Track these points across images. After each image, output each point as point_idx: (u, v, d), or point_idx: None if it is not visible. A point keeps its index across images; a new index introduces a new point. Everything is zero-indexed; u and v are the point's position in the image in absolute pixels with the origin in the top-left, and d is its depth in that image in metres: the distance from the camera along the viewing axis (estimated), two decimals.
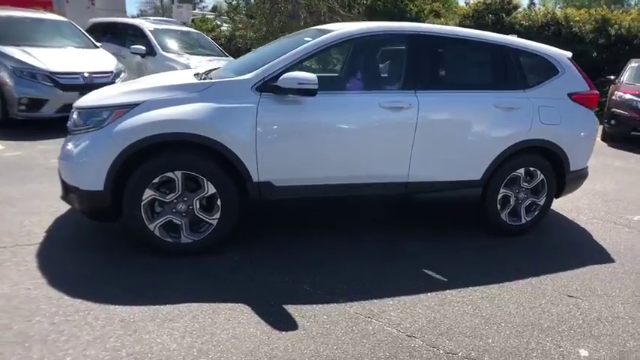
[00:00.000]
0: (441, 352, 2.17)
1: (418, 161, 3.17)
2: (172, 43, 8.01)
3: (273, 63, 2.84)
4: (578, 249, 3.55)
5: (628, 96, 7.63)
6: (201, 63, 7.61)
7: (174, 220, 2.78)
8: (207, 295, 2.46)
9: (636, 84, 8.07)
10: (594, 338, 2.39)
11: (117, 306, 2.30)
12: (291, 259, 2.94)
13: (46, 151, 4.93)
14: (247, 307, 2.38)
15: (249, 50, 14.57)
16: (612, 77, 8.98)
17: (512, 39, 3.70)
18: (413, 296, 2.64)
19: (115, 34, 8.21)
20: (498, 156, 3.37)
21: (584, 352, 2.27)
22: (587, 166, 3.85)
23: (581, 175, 3.82)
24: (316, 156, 2.95)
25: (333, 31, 3.06)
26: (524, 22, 13.21)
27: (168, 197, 2.75)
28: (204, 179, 2.74)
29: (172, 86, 2.84)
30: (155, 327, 2.16)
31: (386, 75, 3.22)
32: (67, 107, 5.43)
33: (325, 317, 2.36)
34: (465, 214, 3.79)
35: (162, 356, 1.96)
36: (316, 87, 2.65)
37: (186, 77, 3.39)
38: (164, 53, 7.58)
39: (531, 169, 3.54)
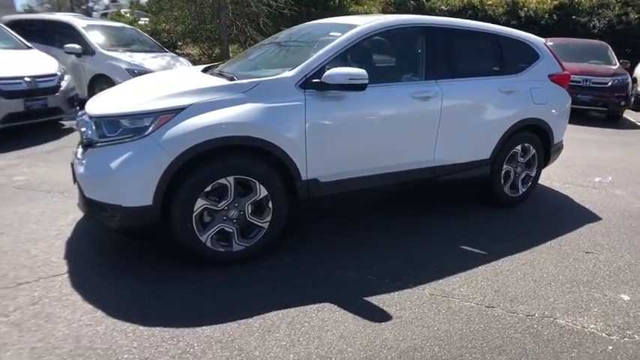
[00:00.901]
0: (522, 315, 2.45)
1: (442, 146, 3.43)
2: (108, 40, 7.40)
3: (312, 60, 2.86)
4: (569, 212, 4.10)
5: None
6: (146, 60, 7.18)
7: (226, 229, 2.70)
8: (287, 300, 2.45)
9: None
10: (625, 284, 2.84)
11: (201, 327, 2.20)
12: (340, 253, 3.01)
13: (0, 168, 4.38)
14: (333, 305, 2.43)
15: (174, 45, 14.00)
16: None
17: (501, 28, 4.09)
18: (468, 272, 2.88)
19: (40, 33, 7.34)
20: (503, 135, 3.75)
21: (625, 297, 2.70)
22: (563, 139, 4.43)
23: (560, 147, 4.39)
24: (358, 148, 3.05)
25: (357, 25, 3.15)
26: (443, 7, 14.22)
27: (219, 205, 2.66)
28: (257, 182, 2.69)
29: (216, 87, 2.72)
30: (258, 341, 2.12)
31: (410, 66, 3.40)
32: (13, 117, 4.94)
33: (408, 303, 2.51)
34: (463, 193, 4.16)
35: None
36: (367, 82, 2.74)
37: (198, 75, 3.31)
38: (103, 51, 6.99)
39: (526, 144, 4.00)
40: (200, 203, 2.59)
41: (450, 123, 3.42)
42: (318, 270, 2.80)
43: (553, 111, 4.09)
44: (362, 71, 2.72)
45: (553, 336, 2.29)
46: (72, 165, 2.84)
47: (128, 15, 16.25)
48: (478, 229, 3.57)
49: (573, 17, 13.32)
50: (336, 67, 2.83)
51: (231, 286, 2.57)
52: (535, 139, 4.04)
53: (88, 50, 6.95)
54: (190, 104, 2.55)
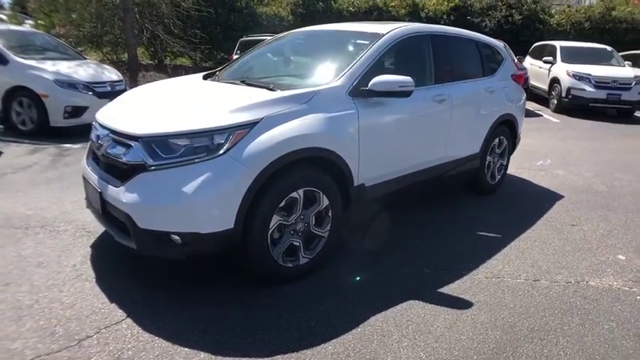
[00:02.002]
0: (563, 283, 2.94)
1: (451, 143, 3.87)
2: (22, 48, 6.56)
3: (356, 68, 3.03)
4: (536, 193, 4.87)
5: None
6: (72, 69, 6.56)
7: (294, 243, 2.74)
8: (375, 303, 2.60)
9: None
10: (614, 247, 3.55)
11: (319, 345, 2.22)
12: (381, 251, 3.24)
13: None
14: (417, 301, 2.65)
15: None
16: None
17: (475, 33, 4.68)
18: (499, 254, 3.33)
19: None
20: (488, 131, 4.34)
21: (622, 257, 3.39)
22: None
23: (520, 138, 5.16)
24: (395, 151, 3.31)
25: (376, 32, 3.41)
26: (350, 9, 15.05)
27: (289, 219, 2.69)
28: (321, 193, 2.78)
29: (280, 99, 2.70)
30: (383, 347, 2.22)
31: (424, 71, 3.74)
32: None
33: (474, 288, 2.85)
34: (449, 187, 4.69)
35: None
36: (413, 88, 3.02)
37: (225, 86, 3.28)
38: (20, 60, 6.19)
39: (501, 137, 4.65)
40: (275, 220, 2.60)
41: (456, 122, 3.87)
42: (374, 272, 2.99)
43: (518, 106, 4.81)
44: (409, 78, 2.98)
45: (595, 296, 2.82)
46: (96, 194, 2.65)
47: (5, 18, 14.18)
48: (478, 216, 4.08)
49: (468, 17, 15.12)
50: (374, 74, 3.04)
51: (310, 300, 2.62)
52: (507, 132, 4.72)
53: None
54: (262, 118, 2.53)
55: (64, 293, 2.61)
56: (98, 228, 3.35)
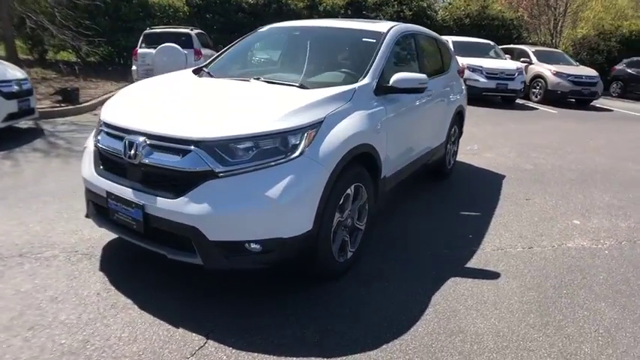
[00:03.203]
0: (550, 247, 3.56)
1: (432, 134, 4.33)
2: None
3: (375, 65, 3.23)
4: (482, 174, 5.62)
5: None
6: None
7: (344, 238, 2.84)
8: (420, 292, 2.85)
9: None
10: (566, 214, 4.35)
11: (392, 342, 2.40)
12: (396, 238, 3.53)
13: None
14: (456, 279, 2.98)
15: None
16: None
17: (432, 32, 5.18)
18: (491, 229, 3.87)
19: None
20: (450, 121, 4.90)
21: (577, 222, 4.18)
22: None
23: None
24: (405, 143, 3.61)
25: (375, 30, 3.66)
26: (250, 1, 15.00)
27: (343, 215, 2.77)
28: (363, 187, 2.93)
29: (330, 97, 2.75)
30: (460, 322, 2.58)
31: (412, 67, 4.05)
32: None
33: (489, 261, 3.31)
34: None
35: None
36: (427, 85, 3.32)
37: (196, 78, 3.28)
38: None
39: (455, 127, 5.27)
40: (337, 217, 2.68)
41: (435, 114, 4.34)
42: (407, 257, 3.28)
43: (464, 97, 5.48)
44: (425, 76, 3.28)
45: (578, 254, 3.49)
46: (130, 210, 2.44)
47: None
48: (451, 200, 4.61)
49: (363, 12, 16.09)
50: (388, 72, 3.28)
51: (361, 299, 2.74)
52: (458, 122, 5.35)
53: None
54: (324, 117, 2.57)
55: (113, 327, 2.36)
56: (93, 249, 3.10)
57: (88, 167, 2.78)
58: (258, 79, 3.22)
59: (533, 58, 13.57)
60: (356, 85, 3.00)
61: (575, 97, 12.83)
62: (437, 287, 2.86)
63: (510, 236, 3.74)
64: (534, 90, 13.19)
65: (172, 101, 2.90)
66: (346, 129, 2.66)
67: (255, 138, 2.33)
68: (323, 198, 2.45)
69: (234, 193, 2.26)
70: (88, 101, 8.78)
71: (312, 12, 15.76)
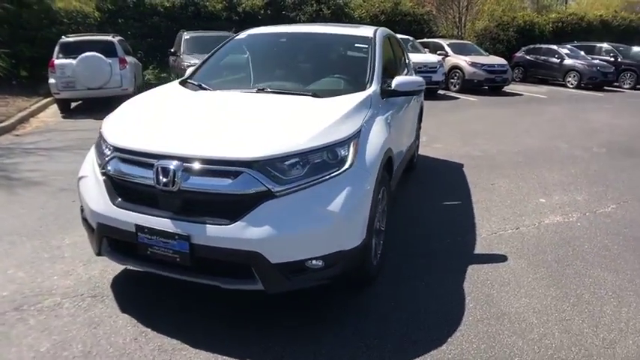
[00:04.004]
0: (532, 226, 3.97)
1: (411, 130, 4.58)
2: None
3: (377, 72, 3.34)
4: (439, 164, 6.04)
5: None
6: None
7: (375, 241, 2.84)
8: (453, 281, 3.05)
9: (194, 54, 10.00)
10: (530, 194, 4.84)
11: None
12: (404, 233, 3.69)
13: None
14: (476, 265, 3.21)
15: None
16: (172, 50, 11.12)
17: None
18: (477, 216, 4.20)
19: None
20: (418, 118, 5.21)
21: (542, 200, 4.68)
22: None
23: None
24: (402, 140, 3.81)
25: (362, 35, 3.80)
26: (166, 3, 14.44)
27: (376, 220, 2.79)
28: (386, 189, 3.01)
29: (358, 105, 2.79)
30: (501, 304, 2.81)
31: (396, 68, 4.18)
32: None
33: (494, 244, 3.60)
34: None
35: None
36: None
37: (249, 95, 3.15)
38: None
39: (418, 124, 5.60)
40: (376, 223, 2.75)
41: (412, 111, 4.60)
42: (423, 251, 3.46)
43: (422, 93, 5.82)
44: (421, 78, 3.47)
45: (558, 229, 3.93)
46: (173, 242, 2.26)
47: None
48: (429, 192, 4.91)
49: (283, 12, 16.16)
50: (386, 75, 3.42)
51: (401, 298, 2.87)
52: (419, 116, 5.69)
53: None
54: (361, 125, 2.61)
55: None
56: (100, 289, 2.86)
57: (98, 200, 2.50)
58: (262, 90, 3.19)
59: (449, 51, 14.61)
60: (370, 91, 3.10)
61: (489, 85, 14.05)
62: (461, 276, 3.07)
63: (496, 220, 4.09)
64: (452, 80, 14.22)
65: (194, 119, 2.76)
66: (378, 135, 2.76)
67: (307, 153, 2.31)
68: (372, 205, 2.52)
69: (294, 212, 2.22)
70: (2, 121, 7.91)
71: (231, 13, 15.51)
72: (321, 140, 2.37)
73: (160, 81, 14.53)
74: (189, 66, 9.60)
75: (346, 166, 2.37)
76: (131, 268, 2.87)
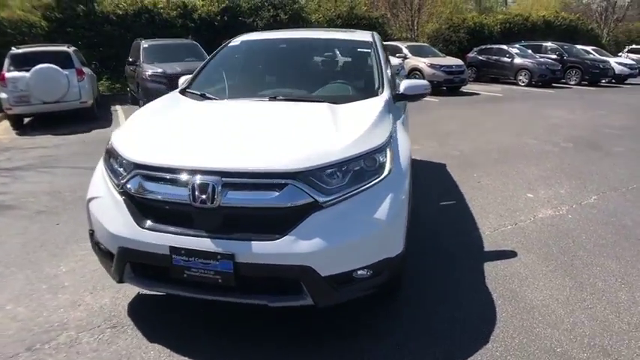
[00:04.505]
0: (529, 220, 4.17)
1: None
2: None
3: (386, 74, 3.39)
4: (423, 163, 6.19)
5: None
6: None
7: None
8: (471, 279, 3.16)
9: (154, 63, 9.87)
10: (516, 190, 5.07)
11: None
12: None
13: None
14: (490, 262, 3.34)
15: None
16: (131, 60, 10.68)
17: None
18: (475, 213, 4.36)
19: None
20: None
21: (530, 195, 4.91)
22: None
23: None
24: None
25: (361, 40, 3.84)
26: (118, 12, 13.97)
27: None
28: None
29: (382, 110, 2.82)
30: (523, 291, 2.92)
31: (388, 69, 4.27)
32: None
33: (498, 240, 3.75)
34: None
35: None
36: None
37: (265, 104, 3.10)
38: None
39: None
40: None
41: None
42: (433, 252, 3.55)
43: None
44: (427, 82, 3.54)
45: (554, 222, 4.14)
46: (214, 262, 2.17)
47: None
48: (424, 192, 5.02)
49: (239, 18, 16.02)
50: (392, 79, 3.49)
51: (432, 300, 3.01)
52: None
53: None
54: (391, 130, 2.64)
55: None
56: (118, 319, 2.70)
57: (119, 223, 2.33)
58: (274, 97, 3.15)
59: (408, 53, 15.05)
60: (386, 96, 3.13)
61: (447, 85, 14.57)
62: (480, 274, 3.18)
63: (494, 217, 4.26)
64: None
65: (218, 131, 2.66)
66: (403, 140, 2.81)
67: (350, 161, 2.29)
68: (408, 210, 2.55)
69: (342, 222, 2.18)
70: None
71: (186, 20, 15.20)
72: (361, 148, 2.36)
73: (114, 92, 14.01)
74: (152, 74, 9.67)
75: (385, 172, 2.37)
76: (156, 292, 2.74)
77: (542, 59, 17.01)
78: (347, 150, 2.32)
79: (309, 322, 2.63)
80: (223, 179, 2.16)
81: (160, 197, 2.27)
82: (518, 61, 16.92)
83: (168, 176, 2.28)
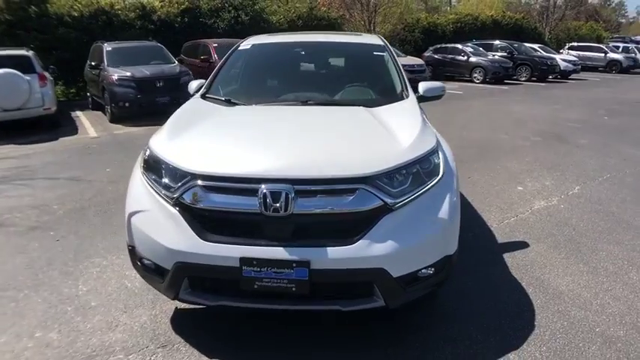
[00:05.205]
0: (527, 213, 4.44)
1: None
2: None
3: (406, 78, 3.50)
4: None
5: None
6: None
7: None
8: (498, 273, 3.34)
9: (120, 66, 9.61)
10: (506, 184, 5.36)
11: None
12: None
13: None
14: (508, 254, 3.55)
15: None
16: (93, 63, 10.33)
17: None
18: (476, 205, 4.57)
19: None
20: None
21: (520, 188, 5.20)
22: None
23: None
24: None
25: (370, 42, 3.95)
26: (74, 13, 13.33)
27: None
28: None
29: (419, 113, 2.93)
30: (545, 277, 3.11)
31: None
32: None
33: (506, 231, 3.97)
34: None
35: None
36: None
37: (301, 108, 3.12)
38: None
39: None
40: None
41: None
42: None
43: None
44: (443, 84, 3.69)
45: (550, 212, 4.43)
46: (289, 270, 2.15)
47: None
48: None
49: (200, 19, 15.69)
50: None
51: (467, 301, 3.13)
52: None
53: None
54: (434, 132, 2.77)
55: None
56: (162, 336, 2.60)
57: (177, 237, 2.24)
58: (306, 102, 3.17)
59: None
60: (414, 98, 3.26)
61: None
62: (503, 266, 3.37)
63: (495, 211, 4.49)
64: None
65: (272, 138, 2.60)
66: (442, 139, 2.92)
67: (412, 164, 2.35)
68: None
69: (410, 223, 2.24)
70: None
71: (145, 22, 14.71)
72: (419, 150, 2.43)
73: (69, 98, 13.32)
74: (120, 78, 9.30)
75: (441, 173, 2.44)
76: (196, 305, 2.63)
77: (495, 57, 17.85)
78: (408, 153, 2.39)
79: (363, 327, 2.68)
80: (295, 187, 2.15)
81: (225, 208, 2.22)
82: (473, 59, 17.66)
83: (234, 186, 2.22)
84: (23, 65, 8.57)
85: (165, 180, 2.39)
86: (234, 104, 3.21)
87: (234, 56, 3.92)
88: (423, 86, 3.52)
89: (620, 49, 24.99)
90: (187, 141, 2.60)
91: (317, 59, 3.99)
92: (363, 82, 3.67)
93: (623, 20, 66.80)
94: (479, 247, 3.67)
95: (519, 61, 18.43)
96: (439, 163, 2.49)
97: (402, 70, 3.61)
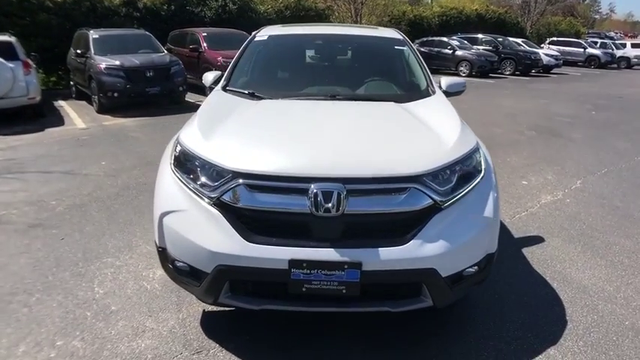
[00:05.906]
0: (535, 207, 4.49)
1: None
2: None
3: (429, 72, 3.48)
4: None
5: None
6: None
7: None
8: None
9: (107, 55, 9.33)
10: (510, 178, 5.41)
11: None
12: None
13: None
14: (527, 249, 3.59)
15: None
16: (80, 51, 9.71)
17: None
18: None
19: None
20: None
21: (524, 182, 5.25)
22: None
23: None
24: None
25: (387, 36, 3.92)
26: (50, 4, 12.81)
27: None
28: None
29: (453, 110, 2.92)
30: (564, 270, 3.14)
31: None
32: None
33: (518, 226, 4.01)
34: None
35: None
36: None
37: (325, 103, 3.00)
38: None
39: None
40: None
41: None
42: None
43: None
44: (464, 79, 3.67)
45: (558, 206, 4.49)
46: (339, 272, 2.07)
47: None
48: None
49: (187, 8, 15.32)
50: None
51: (497, 296, 3.14)
52: None
53: None
54: (470, 130, 2.72)
55: None
56: (196, 342, 2.47)
57: (219, 239, 2.12)
58: (334, 97, 3.08)
59: None
60: (442, 94, 3.28)
61: None
62: (524, 261, 3.39)
63: (505, 205, 4.51)
64: None
65: (313, 134, 2.51)
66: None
67: (458, 162, 2.31)
68: None
69: (459, 222, 2.20)
70: None
71: (130, 9, 14.28)
72: (464, 148, 2.40)
73: (49, 87, 12.84)
74: (108, 67, 9.00)
75: (483, 171, 2.41)
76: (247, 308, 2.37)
77: (480, 51, 18.00)
78: (454, 151, 2.34)
79: (407, 326, 2.65)
80: (346, 186, 2.07)
81: (271, 208, 2.11)
82: (459, 53, 17.78)
83: (282, 185, 2.11)
84: (6, 52, 8.18)
85: (203, 178, 2.25)
86: (260, 98, 3.08)
87: (251, 48, 3.79)
88: (445, 82, 3.50)
89: (598, 45, 25.54)
90: (224, 137, 2.46)
91: (337, 52, 3.90)
92: (388, 77, 3.62)
93: (597, 16, 68.51)
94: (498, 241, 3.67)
95: (504, 55, 18.64)
96: (480, 161, 2.46)
97: (425, 65, 3.57)
